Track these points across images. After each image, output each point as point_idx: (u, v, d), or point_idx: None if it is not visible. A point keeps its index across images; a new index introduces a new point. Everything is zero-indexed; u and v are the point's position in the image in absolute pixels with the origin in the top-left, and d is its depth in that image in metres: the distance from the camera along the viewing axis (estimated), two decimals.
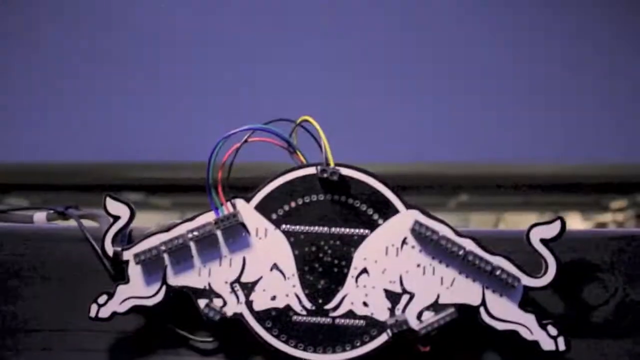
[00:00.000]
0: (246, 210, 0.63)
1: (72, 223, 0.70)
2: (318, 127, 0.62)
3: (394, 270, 0.62)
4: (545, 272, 0.62)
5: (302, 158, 0.64)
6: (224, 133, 0.62)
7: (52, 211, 0.72)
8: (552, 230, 0.62)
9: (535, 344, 0.62)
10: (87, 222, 0.69)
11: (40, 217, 0.73)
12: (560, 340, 0.62)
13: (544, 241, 0.62)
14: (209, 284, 0.63)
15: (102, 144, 1.87)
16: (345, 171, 0.63)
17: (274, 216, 0.63)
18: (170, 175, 1.92)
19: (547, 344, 0.62)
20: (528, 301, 0.63)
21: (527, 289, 0.62)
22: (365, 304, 0.62)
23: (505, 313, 0.62)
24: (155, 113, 1.88)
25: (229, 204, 0.63)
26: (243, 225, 0.63)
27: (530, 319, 0.62)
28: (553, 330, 0.62)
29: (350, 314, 0.62)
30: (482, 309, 0.62)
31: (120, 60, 1.88)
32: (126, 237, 0.65)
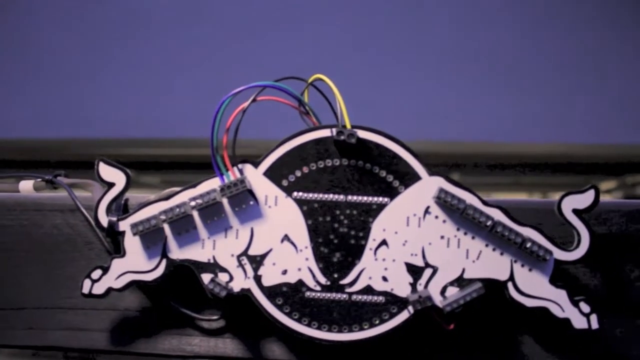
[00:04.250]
0: (254, 176, 0.58)
1: (61, 192, 0.65)
2: (333, 85, 0.57)
3: (416, 242, 0.57)
4: (578, 245, 0.57)
5: (315, 120, 0.59)
6: (216, 108, 0.57)
7: (39, 179, 0.67)
8: (586, 200, 0.58)
9: (567, 321, 0.57)
10: (78, 192, 0.64)
11: (26, 185, 0.67)
12: (593, 317, 0.57)
13: (576, 212, 0.58)
14: (214, 257, 0.58)
15: (90, 120, 1.82)
16: (363, 134, 0.58)
17: (284, 183, 0.58)
18: (159, 152, 1.88)
19: (579, 322, 0.57)
20: (559, 276, 0.58)
21: (558, 262, 0.57)
22: (384, 278, 0.57)
23: (534, 289, 0.57)
24: (144, 88, 1.83)
25: (235, 169, 0.58)
26: (251, 193, 0.58)
27: (561, 295, 0.57)
28: (586, 307, 0.57)
29: (368, 290, 0.57)
30: (510, 284, 0.57)
31: (108, 34, 1.82)
32: (121, 207, 0.60)
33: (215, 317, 0.60)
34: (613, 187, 2.23)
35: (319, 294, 0.57)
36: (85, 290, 0.58)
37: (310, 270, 0.57)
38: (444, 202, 0.57)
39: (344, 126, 0.57)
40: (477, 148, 2.07)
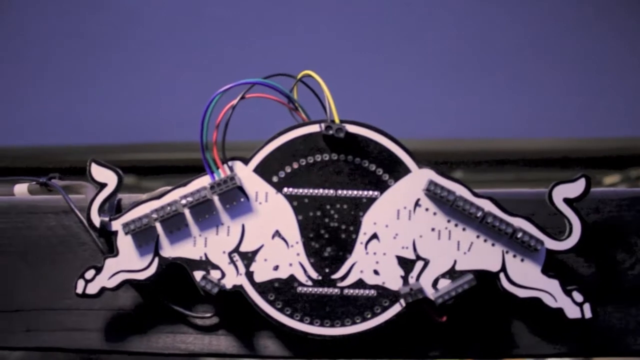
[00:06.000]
0: (244, 173, 0.58)
1: (55, 195, 0.65)
2: (321, 81, 0.57)
3: (407, 235, 0.57)
4: (570, 235, 0.58)
5: (304, 115, 0.59)
6: (205, 105, 0.57)
7: (33, 182, 0.67)
8: (577, 188, 0.58)
9: (560, 311, 0.57)
10: (72, 195, 0.64)
11: (21, 188, 0.68)
12: (587, 307, 0.57)
13: (567, 201, 0.58)
14: (206, 255, 0.58)
15: (92, 126, 1.82)
16: (351, 128, 0.58)
17: (275, 179, 0.58)
18: (161, 156, 1.88)
19: (573, 312, 0.57)
20: (551, 266, 0.58)
21: (550, 252, 0.57)
22: (376, 272, 0.58)
23: (527, 279, 0.57)
24: (145, 92, 1.83)
25: (225, 166, 0.58)
26: (241, 190, 0.58)
27: (554, 285, 0.57)
28: (579, 297, 0.57)
29: (359, 284, 0.58)
30: (502, 275, 0.58)
31: (108, 38, 1.82)
32: (114, 207, 0.61)
33: (208, 315, 0.60)
34: (617, 180, 2.23)
35: (310, 289, 0.58)
36: (79, 290, 0.58)
37: (302, 266, 0.58)
38: (434, 194, 0.57)
39: (333, 121, 0.57)
40: (478, 145, 2.06)
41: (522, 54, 1.96)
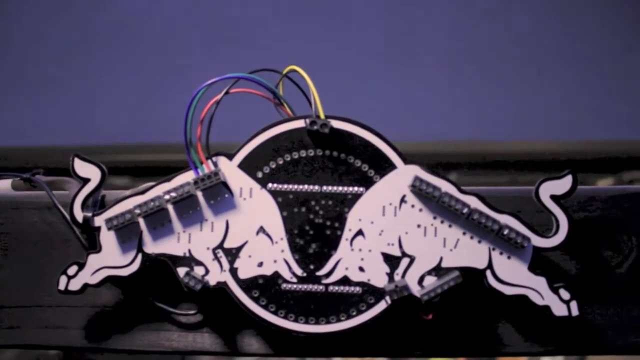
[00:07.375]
0: (229, 169, 0.58)
1: (39, 191, 0.64)
2: (306, 76, 0.57)
3: (392, 231, 0.57)
4: (557, 232, 0.57)
5: (289, 111, 0.58)
6: (189, 99, 0.56)
7: (17, 178, 0.67)
8: (564, 185, 0.57)
9: (547, 309, 0.57)
10: (56, 192, 0.64)
11: (4, 184, 0.67)
12: (573, 304, 0.57)
13: (554, 198, 0.57)
14: (189, 251, 0.57)
15: (85, 127, 1.81)
16: (336, 124, 0.57)
17: (259, 174, 0.58)
18: (155, 157, 1.87)
19: (560, 309, 0.57)
20: (538, 263, 0.57)
21: (537, 249, 0.57)
22: (361, 269, 0.57)
23: (513, 276, 0.57)
24: (138, 93, 1.83)
25: (209, 161, 0.57)
26: (225, 185, 0.57)
27: (540, 283, 0.57)
28: (565, 294, 0.57)
29: (345, 281, 0.57)
30: (488, 272, 0.57)
31: (100, 39, 1.82)
32: (98, 203, 0.60)
33: (192, 312, 0.60)
34: (610, 184, 2.22)
35: (295, 286, 0.57)
36: (62, 286, 0.58)
37: (286, 262, 0.57)
38: (420, 190, 0.56)
39: (318, 116, 0.57)
40: (472, 147, 2.06)
41: (514, 56, 1.96)
